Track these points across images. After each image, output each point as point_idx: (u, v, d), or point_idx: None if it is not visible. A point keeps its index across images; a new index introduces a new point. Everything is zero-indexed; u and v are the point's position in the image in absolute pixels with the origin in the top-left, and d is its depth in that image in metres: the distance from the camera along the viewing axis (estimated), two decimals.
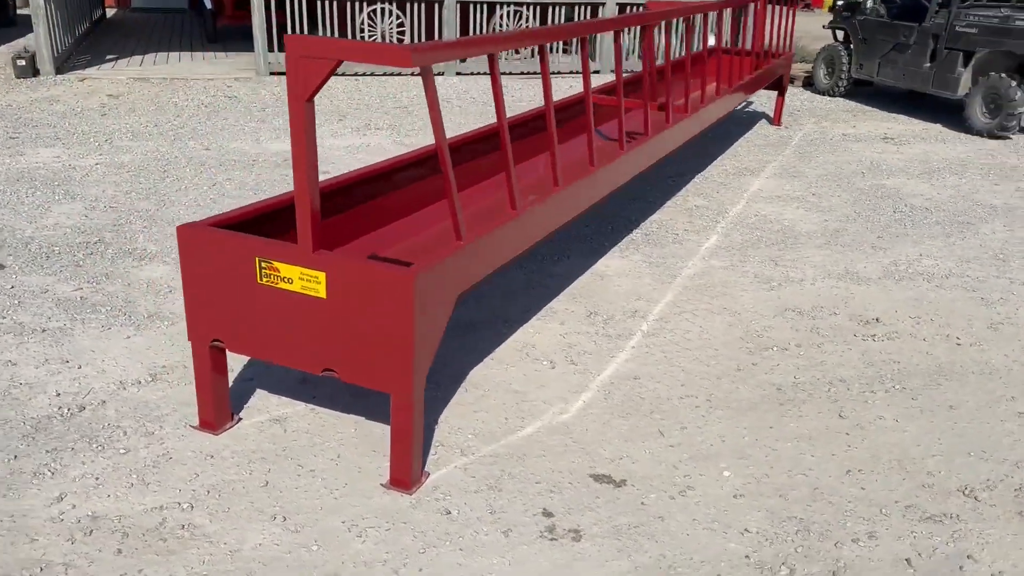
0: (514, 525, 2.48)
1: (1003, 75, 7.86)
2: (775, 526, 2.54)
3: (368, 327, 2.43)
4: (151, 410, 2.96)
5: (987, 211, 5.80)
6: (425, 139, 6.69)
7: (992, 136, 8.03)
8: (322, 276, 2.41)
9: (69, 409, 2.94)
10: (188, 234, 2.57)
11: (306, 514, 2.49)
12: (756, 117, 8.52)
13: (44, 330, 3.48)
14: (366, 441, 2.84)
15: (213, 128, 6.99)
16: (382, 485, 2.62)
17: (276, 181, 5.52)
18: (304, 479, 2.64)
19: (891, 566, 2.39)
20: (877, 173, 6.66)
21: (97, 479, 2.59)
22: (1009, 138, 8.06)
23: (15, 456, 2.67)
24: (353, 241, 3.24)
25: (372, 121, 7.50)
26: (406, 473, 2.60)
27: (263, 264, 2.46)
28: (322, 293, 2.42)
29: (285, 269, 2.43)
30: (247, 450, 2.77)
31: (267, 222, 2.86)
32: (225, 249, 2.52)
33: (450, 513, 2.52)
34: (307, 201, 2.36)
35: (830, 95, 9.86)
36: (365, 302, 2.40)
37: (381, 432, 2.88)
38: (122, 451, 2.73)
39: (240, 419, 2.92)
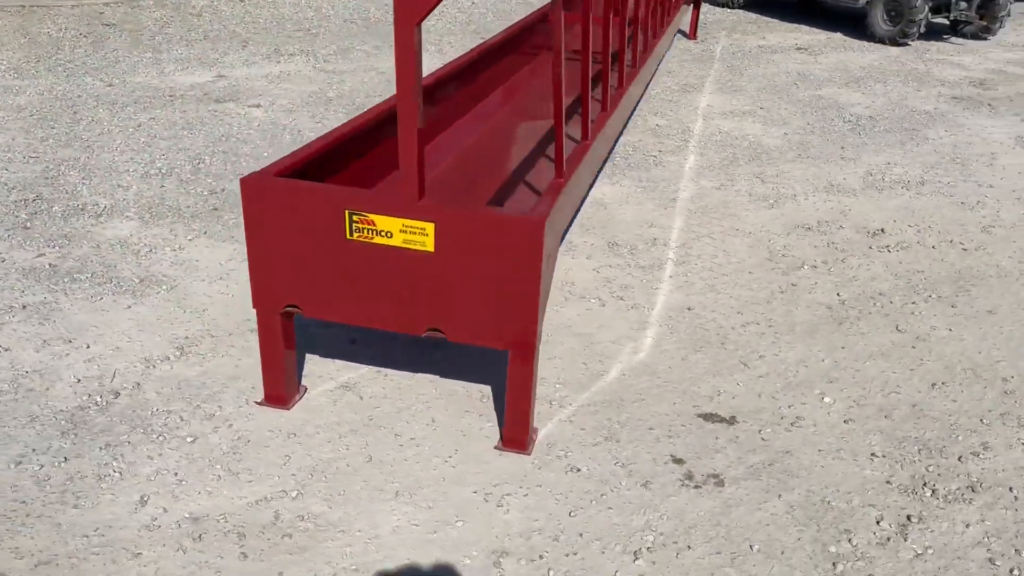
0: (651, 476, 2.36)
1: None
2: (897, 448, 2.53)
3: (485, 281, 2.19)
4: (197, 389, 2.61)
5: (924, 117, 6.01)
6: (345, 64, 6.22)
7: (894, 43, 8.32)
8: (430, 228, 2.13)
9: (102, 396, 2.55)
10: (256, 187, 2.20)
11: (430, 487, 2.27)
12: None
13: (24, 306, 2.99)
14: (453, 402, 2.62)
15: (106, 61, 6.22)
16: (495, 448, 2.43)
17: (207, 119, 4.97)
18: (409, 449, 2.41)
19: (1017, 474, 2.45)
20: (808, 83, 6.77)
21: (176, 475, 2.25)
22: (909, 44, 8.38)
23: (64, 458, 2.29)
24: (380, 183, 2.94)
25: (280, 46, 6.90)
26: (523, 433, 2.41)
27: (355, 218, 2.13)
28: (429, 247, 2.15)
29: (383, 222, 2.14)
30: (331, 423, 2.49)
31: (327, 166, 2.54)
32: (306, 203, 2.18)
33: (580, 470, 2.37)
34: (412, 143, 2.06)
35: (729, 7, 9.93)
36: (484, 254, 2.15)
37: (464, 390, 2.66)
38: (189, 439, 2.39)
39: (306, 389, 2.63)
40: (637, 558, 2.08)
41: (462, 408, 2.59)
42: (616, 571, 2.04)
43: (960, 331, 3.20)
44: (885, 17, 8.37)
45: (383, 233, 2.15)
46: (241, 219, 3.54)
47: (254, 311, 2.39)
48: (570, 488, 2.30)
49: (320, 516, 2.15)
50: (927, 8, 8.12)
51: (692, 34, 8.14)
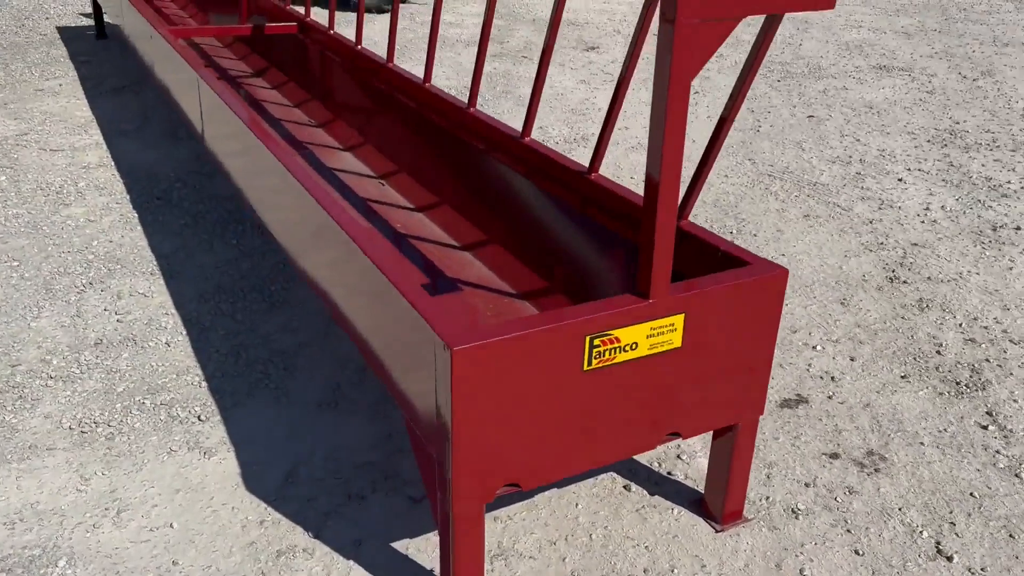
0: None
1: None
2: None
3: (726, 356, 2.01)
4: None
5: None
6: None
7: (380, 11, 8.50)
8: (679, 320, 1.90)
9: None
10: (477, 354, 1.67)
11: None
12: None
13: None
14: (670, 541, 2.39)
15: None
16: (719, 530, 2.26)
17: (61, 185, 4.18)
18: None
19: None
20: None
21: None
22: (386, 11, 8.54)
23: None
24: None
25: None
26: (742, 501, 2.28)
27: (596, 342, 1.81)
28: (677, 342, 1.92)
29: (629, 334, 1.86)
30: None
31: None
32: (536, 348, 1.74)
33: (797, 516, 2.27)
34: (670, 228, 1.81)
35: None
36: (727, 326, 1.97)
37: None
38: None
39: None
40: None
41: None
42: None
43: None
44: None
45: (628, 347, 1.88)
46: None
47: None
48: (808, 536, 2.19)
49: None
50: None
51: None
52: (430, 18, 4.05)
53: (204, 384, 2.82)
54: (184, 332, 3.11)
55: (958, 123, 5.85)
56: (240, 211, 4.08)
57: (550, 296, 2.70)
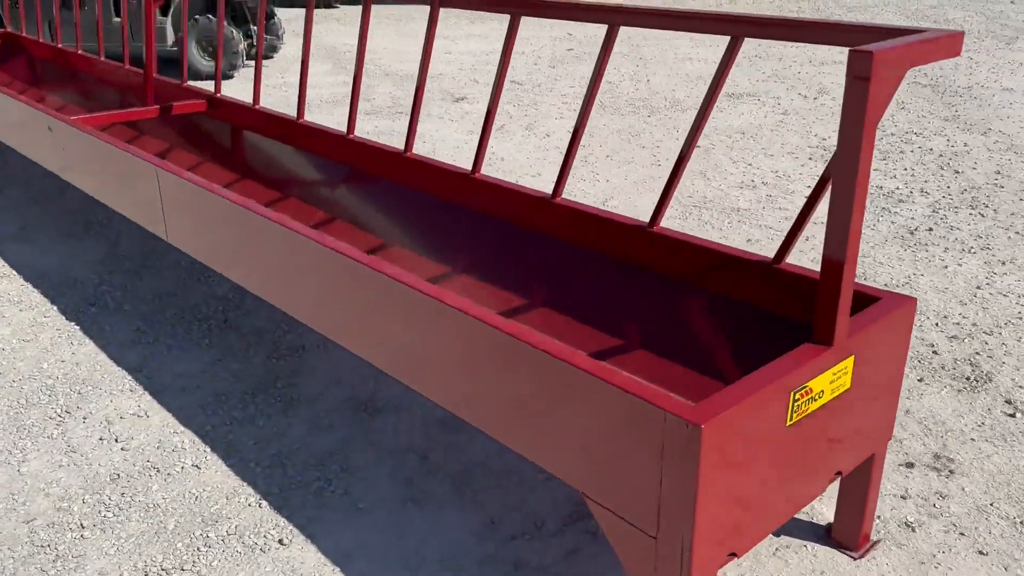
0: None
1: (210, 16, 8.06)
2: None
3: (876, 390, 2.09)
4: None
5: None
6: None
7: (224, 76, 8.35)
8: (850, 362, 1.96)
9: None
10: (720, 427, 1.61)
11: None
12: None
13: None
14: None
15: None
16: (857, 558, 2.32)
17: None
18: None
19: None
20: None
21: None
22: (232, 76, 8.54)
23: None
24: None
25: None
26: (871, 526, 2.36)
27: (797, 396, 1.81)
28: (847, 384, 1.98)
29: (819, 383, 1.89)
30: None
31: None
32: (756, 410, 1.71)
33: (913, 529, 2.39)
34: (851, 271, 1.86)
35: None
36: (879, 362, 2.04)
37: None
38: None
39: None
40: None
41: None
42: None
43: None
44: (203, 54, 8.43)
45: (817, 396, 1.91)
46: None
47: None
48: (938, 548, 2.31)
49: None
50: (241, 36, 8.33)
51: None
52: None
53: (264, 504, 2.57)
54: (208, 449, 2.82)
55: (824, 139, 6.38)
56: (197, 308, 3.76)
57: (636, 356, 2.67)
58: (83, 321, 3.68)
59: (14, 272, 4.16)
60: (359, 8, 13.90)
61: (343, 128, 3.73)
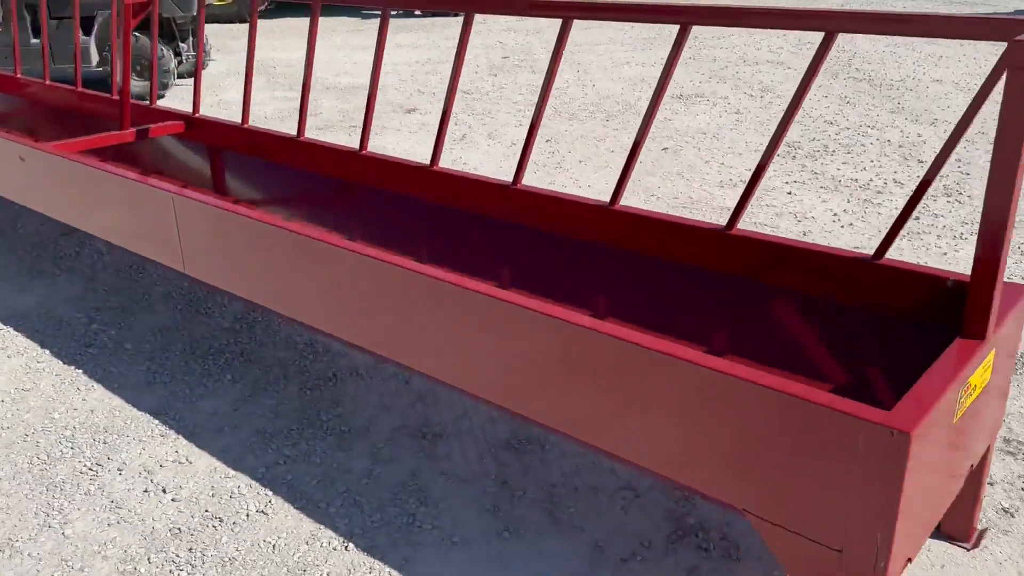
0: None
1: (138, 35, 7.62)
2: None
3: (1001, 379, 2.09)
4: None
5: None
6: None
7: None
8: (992, 356, 1.95)
9: None
10: (925, 432, 1.58)
11: None
12: None
13: None
14: None
15: None
16: (970, 549, 2.32)
17: None
18: None
19: None
20: None
21: None
22: (164, 96, 8.16)
23: None
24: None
25: None
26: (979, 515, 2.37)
27: (961, 391, 1.78)
28: (988, 377, 1.97)
29: (975, 378, 1.87)
30: None
31: None
32: (943, 409, 1.68)
33: (1012, 515, 2.42)
34: (1003, 265, 1.85)
35: None
36: (1005, 351, 2.05)
37: None
38: None
39: None
40: None
41: None
42: None
43: None
44: (133, 75, 7.99)
45: (972, 391, 1.88)
46: None
47: None
48: None
49: None
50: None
51: None
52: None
53: (351, 546, 2.40)
54: (269, 492, 2.63)
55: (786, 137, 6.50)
56: (205, 342, 3.53)
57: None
58: (84, 364, 3.40)
59: None
60: (274, 22, 13.58)
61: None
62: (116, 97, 4.27)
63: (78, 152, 3.74)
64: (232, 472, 2.73)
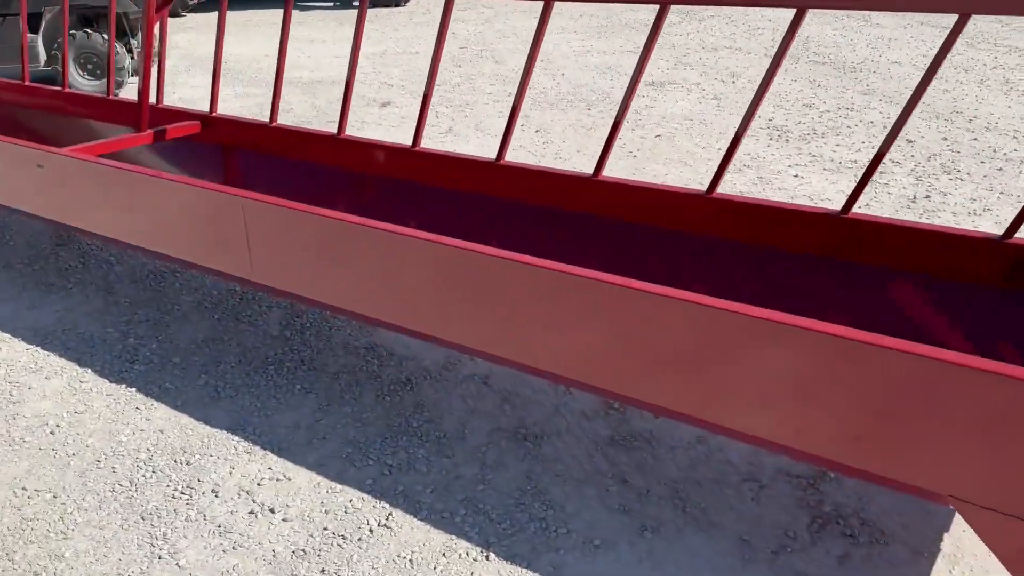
0: None
1: (89, 32, 7.42)
2: None
3: None
4: None
5: None
6: None
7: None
8: None
9: None
10: None
11: None
12: None
13: None
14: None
15: None
16: None
17: None
18: None
19: None
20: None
21: None
22: (118, 95, 7.92)
23: None
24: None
25: None
26: None
27: None
28: None
29: None
30: None
31: None
32: None
33: None
34: None
35: None
36: None
37: None
38: None
39: None
40: None
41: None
42: None
43: None
44: (84, 73, 7.69)
45: None
46: None
47: None
48: None
49: None
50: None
51: None
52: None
53: (492, 556, 2.32)
54: (385, 505, 2.52)
55: (770, 120, 6.61)
56: (259, 352, 3.37)
57: None
58: (134, 382, 3.20)
59: (8, 335, 3.57)
60: (210, 15, 13.09)
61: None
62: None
63: (97, 156, 3.52)
64: (338, 486, 2.60)
